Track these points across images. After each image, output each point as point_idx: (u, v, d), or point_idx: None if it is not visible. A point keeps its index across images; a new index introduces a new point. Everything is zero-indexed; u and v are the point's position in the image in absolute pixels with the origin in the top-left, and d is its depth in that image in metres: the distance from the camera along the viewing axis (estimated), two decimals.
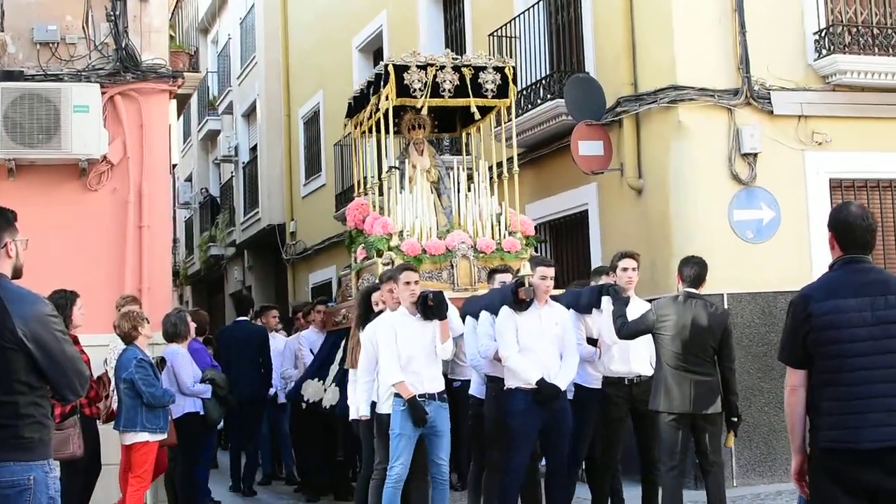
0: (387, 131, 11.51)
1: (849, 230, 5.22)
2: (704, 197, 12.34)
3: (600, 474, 9.80)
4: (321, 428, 12.14)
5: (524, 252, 11.36)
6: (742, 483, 11.71)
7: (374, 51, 21.50)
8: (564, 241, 14.70)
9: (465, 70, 11.54)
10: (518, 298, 9.02)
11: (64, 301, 8.96)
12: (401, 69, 11.37)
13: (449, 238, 11.17)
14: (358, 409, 9.38)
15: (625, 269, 9.55)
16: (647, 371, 9.38)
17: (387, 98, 11.35)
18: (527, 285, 9.04)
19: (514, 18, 14.98)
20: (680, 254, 11.89)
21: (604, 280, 9.84)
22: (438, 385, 9.00)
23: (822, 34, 12.69)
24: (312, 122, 24.51)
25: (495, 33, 15.22)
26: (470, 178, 11.95)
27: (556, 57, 14.76)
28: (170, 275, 13.01)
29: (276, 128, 25.97)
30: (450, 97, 11.57)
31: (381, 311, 9.43)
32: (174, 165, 16.41)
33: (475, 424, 9.69)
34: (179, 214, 34.08)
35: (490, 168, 12.17)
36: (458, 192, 11.69)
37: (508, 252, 11.28)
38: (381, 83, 11.43)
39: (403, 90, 11.36)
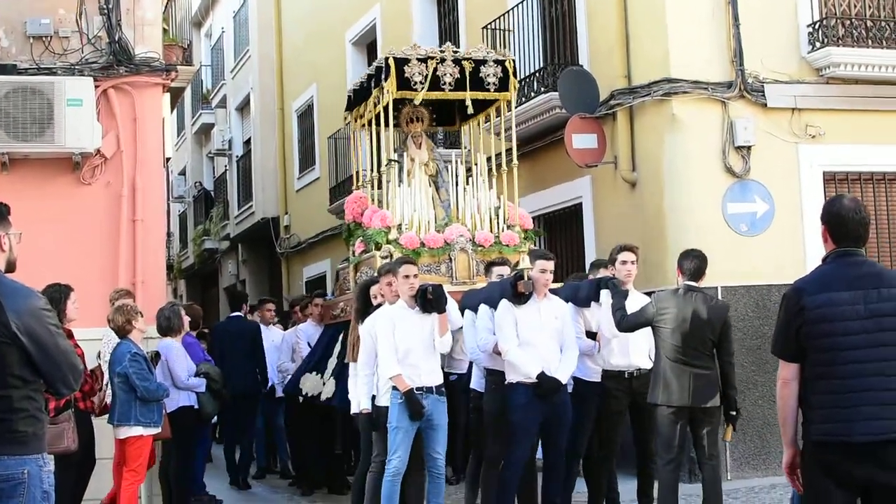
0: (386, 125, 11.49)
1: (842, 223, 5.22)
2: (698, 190, 12.35)
3: (597, 469, 9.81)
4: (318, 421, 12.15)
5: (523, 245, 11.36)
6: (736, 476, 11.73)
7: (368, 44, 21.48)
8: (558, 234, 14.70)
9: (465, 63, 11.52)
10: (517, 292, 9.01)
11: (58, 295, 8.95)
12: (401, 62, 11.35)
13: (447, 231, 11.17)
14: (359, 403, 9.37)
15: (624, 262, 9.55)
16: (647, 364, 9.39)
17: (387, 91, 11.33)
18: (526, 279, 9.03)
19: (508, 11, 14.98)
20: (674, 247, 11.93)
21: (602, 273, 9.83)
22: (437, 378, 9.00)
23: (816, 27, 12.69)
24: (306, 115, 24.50)
25: (489, 26, 15.21)
26: (469, 171, 11.94)
27: (549, 50, 14.76)
28: (164, 268, 13.02)
29: (269, 121, 25.95)
30: (450, 90, 11.55)
31: (379, 305, 9.42)
32: (168, 159, 16.39)
33: (476, 418, 9.70)
34: (173, 208, 34.06)
35: (489, 159, 12.15)
36: (457, 185, 11.68)
37: (507, 245, 11.28)
38: (383, 76, 11.39)
39: (404, 83, 11.35)
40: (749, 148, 12.45)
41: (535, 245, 11.97)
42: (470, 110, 11.75)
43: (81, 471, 9.76)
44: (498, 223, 11.50)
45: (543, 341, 9.02)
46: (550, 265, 9.23)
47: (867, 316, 5.03)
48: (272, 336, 14.46)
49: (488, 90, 11.63)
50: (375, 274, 10.01)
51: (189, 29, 32.31)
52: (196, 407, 11.07)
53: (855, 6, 12.90)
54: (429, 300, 8.84)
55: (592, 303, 9.60)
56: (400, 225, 11.14)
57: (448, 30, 18.05)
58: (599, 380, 9.58)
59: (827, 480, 5.02)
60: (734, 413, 8.74)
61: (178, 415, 10.74)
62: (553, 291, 9.43)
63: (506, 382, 9.08)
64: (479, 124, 12.67)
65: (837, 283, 5.11)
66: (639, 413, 9.48)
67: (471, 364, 9.98)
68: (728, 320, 8.79)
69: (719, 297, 11.50)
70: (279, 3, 25.78)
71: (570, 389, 9.30)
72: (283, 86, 25.54)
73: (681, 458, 8.78)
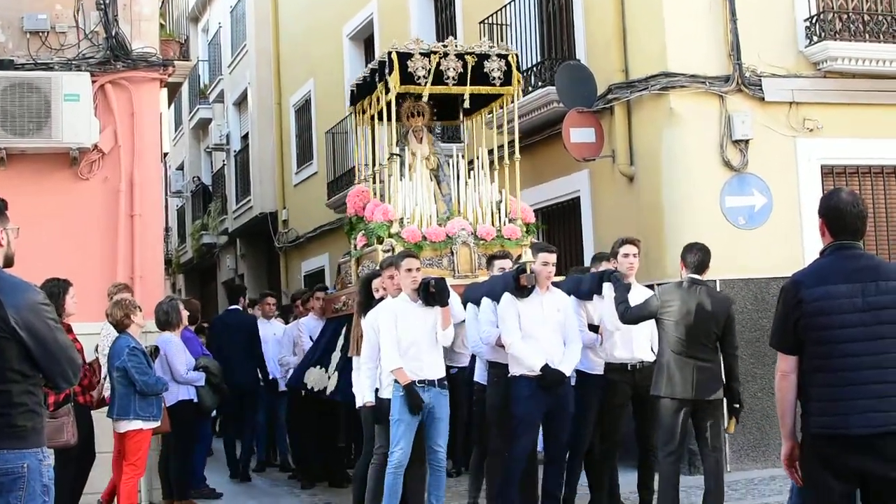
0: (389, 119, 11.49)
1: (839, 217, 5.23)
2: (696, 183, 12.35)
3: (600, 463, 9.81)
4: (319, 415, 12.17)
5: (524, 239, 11.36)
6: (736, 468, 11.74)
7: (365, 39, 21.47)
8: (557, 228, 14.71)
9: (468, 58, 11.51)
10: (520, 285, 9.03)
11: (57, 289, 8.95)
12: (404, 57, 11.34)
13: (449, 225, 11.17)
14: (363, 397, 9.38)
15: (626, 255, 9.54)
16: (649, 357, 9.40)
17: (388, 88, 11.30)
18: (528, 272, 9.04)
19: (505, 6, 14.98)
20: (672, 240, 11.96)
21: (604, 266, 9.83)
22: (439, 371, 9.01)
23: (813, 21, 12.69)
24: (304, 110, 24.49)
25: (486, 21, 15.21)
26: (471, 164, 11.93)
27: (546, 44, 14.76)
28: (162, 263, 13.02)
29: (267, 116, 25.94)
30: (453, 84, 11.54)
31: (381, 298, 9.43)
32: (165, 154, 16.38)
33: (479, 411, 9.71)
34: (171, 203, 34.07)
35: (490, 151, 12.14)
36: (458, 179, 11.67)
37: (509, 239, 11.28)
38: (386, 71, 11.37)
39: (407, 78, 11.34)
40: (747, 142, 12.46)
41: (536, 238, 11.97)
42: (466, 105, 11.73)
43: (81, 465, 9.77)
44: (500, 217, 11.50)
45: (546, 334, 9.04)
46: (553, 258, 9.24)
47: (865, 309, 5.04)
48: (274, 329, 14.48)
49: (493, 84, 11.61)
50: (378, 267, 10.01)
51: (186, 24, 32.26)
52: (195, 401, 11.09)
53: (852, 0, 12.90)
54: (431, 293, 8.85)
55: (595, 296, 9.61)
56: (402, 219, 11.14)
57: (445, 24, 18.04)
58: (602, 372, 9.58)
59: (825, 472, 5.03)
60: (738, 406, 8.75)
61: (178, 409, 10.75)
62: (555, 284, 9.44)
63: (509, 375, 9.10)
64: (482, 119, 12.64)
65: (835, 276, 5.12)
66: (641, 405, 9.48)
67: (474, 357, 10.00)
68: (732, 313, 8.79)
69: (717, 290, 11.51)
70: None
71: (573, 382, 9.32)
72: (281, 80, 25.52)
73: (682, 451, 8.79)
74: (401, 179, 11.47)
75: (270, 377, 14.05)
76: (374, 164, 12.24)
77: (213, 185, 30.93)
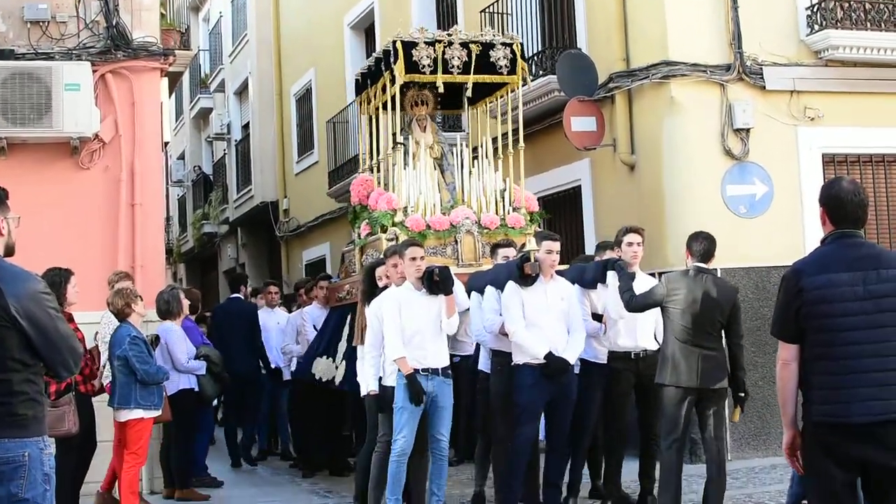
0: (393, 108, 11.47)
1: (840, 206, 5.22)
2: (697, 172, 12.35)
3: (607, 455, 9.80)
4: (323, 405, 12.18)
5: (528, 227, 11.35)
6: (736, 457, 11.75)
7: (366, 28, 21.44)
8: (558, 216, 14.69)
9: (472, 46, 11.48)
10: (523, 273, 9.02)
11: (58, 279, 8.95)
12: (409, 46, 11.31)
13: (453, 214, 11.15)
14: (367, 385, 9.37)
15: (630, 244, 9.52)
16: (653, 346, 9.42)
17: (393, 78, 11.27)
18: (532, 260, 9.04)
19: None
20: (673, 229, 11.96)
21: (608, 255, 9.83)
22: (443, 360, 9.02)
23: (815, 9, 12.67)
24: (304, 99, 24.47)
25: (487, 10, 15.18)
26: (475, 152, 11.91)
27: (547, 33, 14.74)
28: (163, 252, 13.03)
29: (268, 105, 25.92)
30: (458, 73, 11.51)
31: (385, 287, 9.43)
32: (166, 143, 16.36)
33: (484, 399, 9.71)
34: (172, 192, 34.06)
35: (494, 140, 12.12)
36: (462, 168, 11.66)
37: (512, 228, 11.25)
38: (391, 59, 11.35)
39: (411, 67, 11.31)
40: (748, 130, 12.45)
41: (539, 227, 11.96)
42: (469, 94, 11.72)
43: (82, 454, 9.77)
44: (503, 205, 11.49)
45: (550, 323, 9.05)
46: (556, 246, 9.23)
47: (866, 297, 5.03)
48: (277, 318, 14.50)
49: (501, 73, 11.57)
50: (381, 256, 10.01)
51: (187, 13, 32.34)
52: (196, 390, 11.11)
53: None
54: (435, 282, 8.84)
55: (599, 284, 9.61)
56: (406, 207, 11.13)
57: (446, 13, 18.02)
58: (606, 361, 9.59)
59: (827, 461, 5.03)
60: (743, 394, 8.75)
61: (179, 397, 10.77)
62: (559, 273, 9.43)
63: (512, 363, 9.10)
64: (486, 107, 12.61)
65: (836, 265, 5.11)
66: (645, 395, 9.48)
67: (478, 346, 10.00)
68: (737, 302, 8.79)
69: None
70: None
71: (576, 370, 9.32)
72: (282, 70, 25.50)
73: (684, 440, 8.78)
74: (405, 168, 11.45)
75: (273, 366, 14.07)
76: (378, 154, 12.22)
77: (213, 175, 30.93)
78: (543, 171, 14.43)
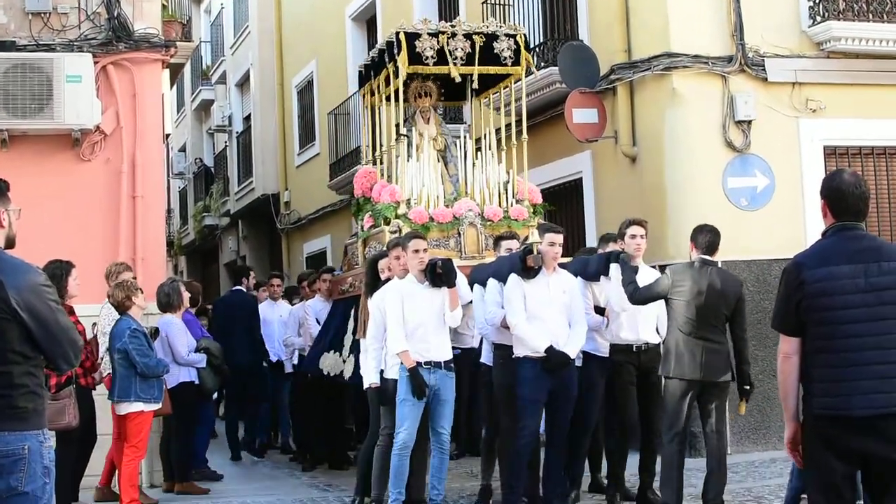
0: (397, 100, 11.45)
1: (841, 198, 5.20)
2: (699, 164, 12.34)
3: (610, 451, 9.79)
4: (324, 398, 12.17)
5: (531, 220, 11.33)
6: (736, 450, 11.75)
7: (368, 20, 21.42)
8: (559, 209, 14.67)
9: (476, 38, 11.46)
10: (526, 266, 8.99)
11: (60, 271, 8.96)
12: (412, 37, 11.28)
13: (456, 206, 11.13)
14: (369, 378, 9.35)
15: (633, 237, 9.50)
16: (655, 339, 9.40)
17: (396, 70, 11.25)
18: (535, 253, 9.02)
19: None
20: (674, 221, 11.95)
21: (611, 247, 9.81)
22: (446, 353, 9.02)
23: (817, 1, 12.65)
24: (306, 91, 24.45)
25: (489, 1, 15.16)
26: (478, 144, 11.88)
27: (549, 24, 14.71)
28: (163, 245, 13.03)
29: (269, 97, 25.91)
30: (462, 65, 11.48)
31: (388, 279, 9.42)
32: (167, 135, 16.37)
33: (488, 391, 9.70)
34: (173, 184, 34.06)
35: (497, 130, 12.10)
36: (465, 160, 11.64)
37: (516, 220, 11.24)
38: (395, 51, 11.32)
39: (415, 58, 11.28)
40: (749, 122, 12.44)
41: (542, 219, 11.94)
42: (475, 85, 11.67)
43: (82, 447, 9.79)
44: (507, 198, 11.46)
45: (552, 315, 9.01)
46: (559, 238, 9.19)
47: (867, 289, 5.02)
48: (279, 311, 14.50)
49: (505, 65, 11.54)
50: (384, 248, 9.99)
51: (188, 5, 32.17)
52: (196, 383, 11.10)
53: None
54: (438, 275, 8.83)
55: (602, 277, 9.59)
56: (409, 200, 11.11)
57: (448, 4, 17.99)
58: (608, 355, 9.57)
59: (827, 453, 5.02)
60: (748, 387, 8.73)
61: (179, 390, 10.77)
62: (562, 266, 9.41)
63: (513, 356, 9.09)
64: (489, 99, 12.57)
65: (837, 257, 5.10)
66: (645, 388, 9.45)
67: (482, 339, 9.98)
68: (742, 295, 8.78)
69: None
70: None
71: (578, 363, 9.31)
72: (283, 62, 25.48)
73: (686, 433, 8.77)
74: (408, 160, 11.44)
75: (275, 359, 14.06)
76: (381, 145, 12.20)
77: (215, 167, 30.92)
78: (544, 164, 14.41)
